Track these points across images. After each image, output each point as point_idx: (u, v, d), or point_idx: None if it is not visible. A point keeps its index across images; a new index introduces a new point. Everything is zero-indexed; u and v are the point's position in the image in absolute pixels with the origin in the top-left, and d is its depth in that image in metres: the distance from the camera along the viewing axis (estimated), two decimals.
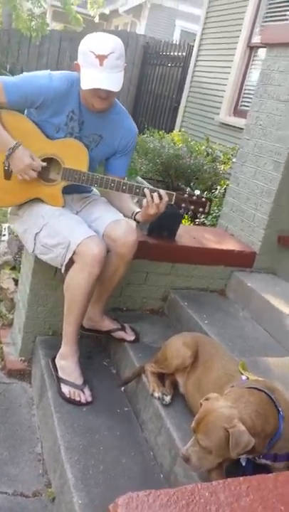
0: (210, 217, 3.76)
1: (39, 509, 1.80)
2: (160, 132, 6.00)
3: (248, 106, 6.28)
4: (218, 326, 2.43)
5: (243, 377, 1.81)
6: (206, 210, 2.23)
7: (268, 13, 6.07)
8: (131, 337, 2.40)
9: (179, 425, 1.85)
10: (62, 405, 2.09)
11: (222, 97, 6.44)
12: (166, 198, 2.13)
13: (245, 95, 6.32)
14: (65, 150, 2.21)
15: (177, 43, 9.14)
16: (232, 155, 4.58)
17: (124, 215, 2.31)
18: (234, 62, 6.30)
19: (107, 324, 2.42)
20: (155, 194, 2.13)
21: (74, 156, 2.22)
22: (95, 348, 2.54)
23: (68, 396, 2.12)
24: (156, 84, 9.59)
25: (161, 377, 2.08)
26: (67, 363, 2.20)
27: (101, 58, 1.99)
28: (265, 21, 6.10)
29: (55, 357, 2.27)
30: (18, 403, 2.33)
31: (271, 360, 2.20)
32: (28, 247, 2.28)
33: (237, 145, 3.23)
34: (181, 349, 2.01)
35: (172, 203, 2.17)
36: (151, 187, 2.20)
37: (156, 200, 2.13)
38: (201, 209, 2.22)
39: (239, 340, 2.34)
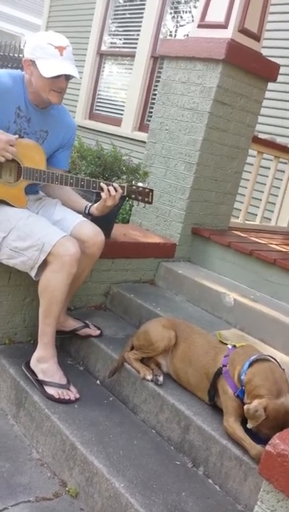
0: None
1: (67, 507, 1.82)
2: None
3: (102, 110, 6.63)
4: (169, 311, 2.67)
5: (230, 347, 2.10)
6: (151, 200, 2.46)
7: (113, 22, 6.47)
8: (96, 332, 2.49)
9: (180, 399, 2.06)
10: (54, 406, 2.10)
11: (76, 101, 6.63)
12: (120, 190, 2.33)
13: (98, 100, 6.62)
14: (22, 150, 2.20)
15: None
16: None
17: (75, 210, 2.40)
18: (86, 68, 6.55)
19: (72, 323, 2.46)
20: (111, 187, 2.30)
21: (32, 155, 2.24)
22: None
23: (58, 397, 2.13)
24: None
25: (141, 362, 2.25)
26: (48, 365, 2.20)
27: (60, 49, 2.10)
28: (112, 32, 6.50)
29: (27, 362, 2.25)
30: None
31: (224, 333, 2.54)
32: None
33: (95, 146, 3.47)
34: (164, 332, 2.21)
35: (125, 194, 2.37)
36: (105, 181, 2.35)
37: (113, 192, 2.30)
38: (146, 199, 2.44)
39: (189, 320, 2.61)
